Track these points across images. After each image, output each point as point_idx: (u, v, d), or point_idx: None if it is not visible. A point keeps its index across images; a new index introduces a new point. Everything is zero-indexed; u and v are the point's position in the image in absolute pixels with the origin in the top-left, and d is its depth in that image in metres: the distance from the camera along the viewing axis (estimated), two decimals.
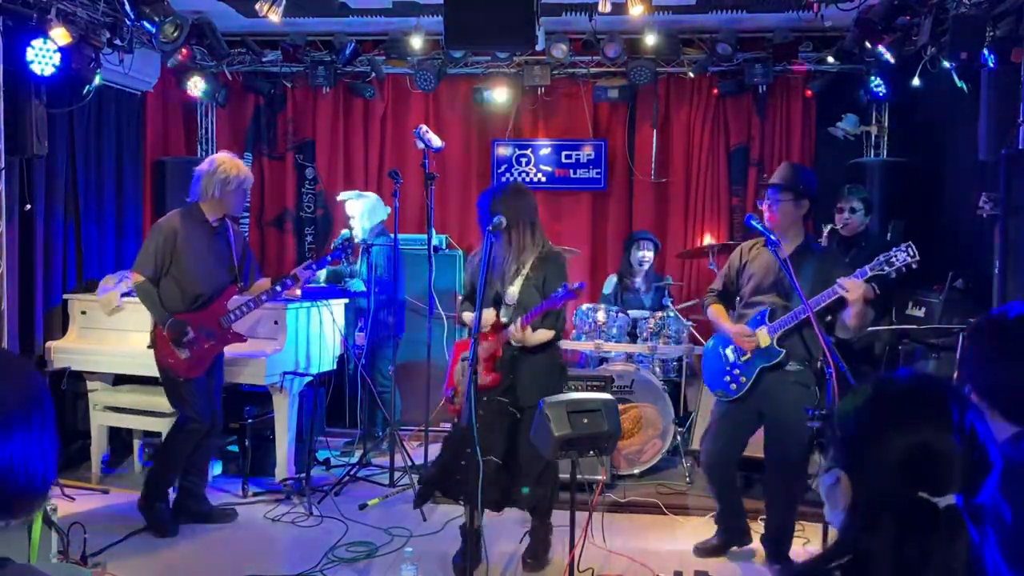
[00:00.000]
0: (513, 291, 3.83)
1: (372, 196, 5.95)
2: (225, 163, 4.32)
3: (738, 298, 4.17)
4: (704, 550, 4.24)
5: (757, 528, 4.36)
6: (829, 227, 4.57)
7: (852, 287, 3.60)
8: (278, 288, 4.43)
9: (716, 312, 4.15)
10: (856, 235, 4.64)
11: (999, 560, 1.17)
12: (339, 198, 6.13)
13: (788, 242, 3.96)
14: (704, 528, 4.51)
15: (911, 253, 3.59)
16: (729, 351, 4.06)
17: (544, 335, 3.84)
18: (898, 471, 1.18)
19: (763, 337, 3.90)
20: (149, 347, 4.40)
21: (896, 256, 3.62)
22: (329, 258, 4.69)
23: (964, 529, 1.15)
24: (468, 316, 3.99)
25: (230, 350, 5.10)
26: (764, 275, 4.00)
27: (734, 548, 4.27)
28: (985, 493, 1.19)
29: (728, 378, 4.03)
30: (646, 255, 6.03)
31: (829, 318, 3.90)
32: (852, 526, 1.23)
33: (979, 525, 1.17)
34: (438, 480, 4.13)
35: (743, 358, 3.98)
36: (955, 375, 4.14)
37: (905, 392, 1.26)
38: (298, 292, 4.78)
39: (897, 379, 1.28)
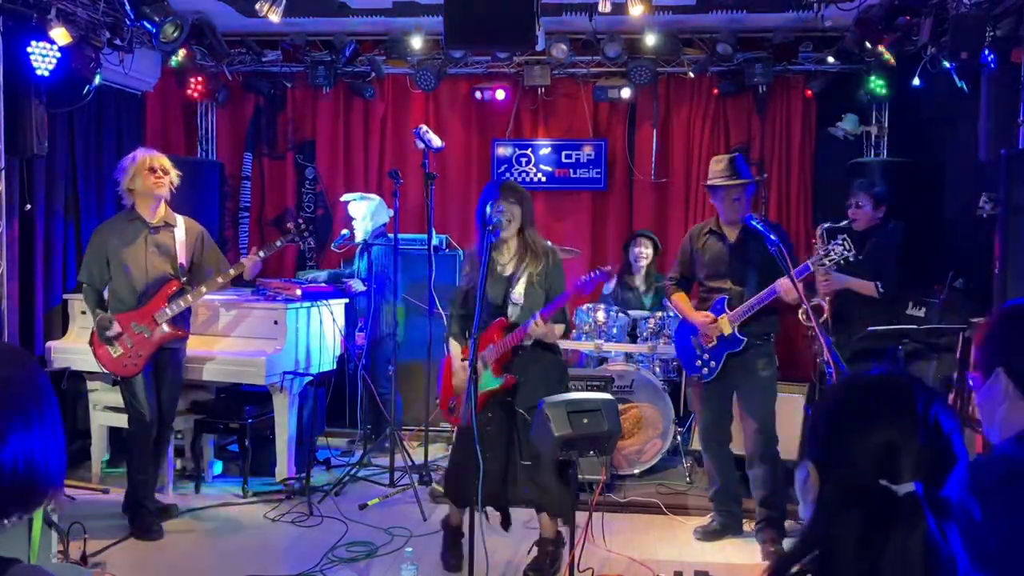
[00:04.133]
0: (519, 291, 3.78)
1: (375, 199, 5.94)
2: (124, 164, 4.42)
3: (697, 283, 4.48)
4: (705, 533, 4.44)
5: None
6: (825, 226, 4.55)
7: (786, 289, 4.00)
8: (219, 280, 4.47)
9: (680, 301, 4.47)
10: (869, 229, 4.65)
11: (963, 556, 1.17)
12: (343, 199, 6.12)
13: (733, 229, 4.28)
14: None
15: (847, 247, 4.01)
16: (696, 339, 4.36)
17: (561, 328, 3.86)
18: (860, 461, 1.20)
19: (725, 325, 4.22)
20: (89, 344, 4.46)
21: (833, 250, 4.04)
22: (278, 243, 4.75)
23: (922, 518, 1.15)
24: (454, 345, 3.98)
25: (230, 350, 5.10)
26: (717, 263, 4.33)
27: (730, 536, 4.40)
28: (951, 487, 1.19)
29: (699, 362, 4.35)
30: (643, 251, 6.01)
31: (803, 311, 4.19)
32: (817, 519, 1.24)
33: (943, 518, 1.17)
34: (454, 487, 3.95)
35: (709, 345, 4.29)
36: (956, 372, 4.16)
37: (870, 386, 1.29)
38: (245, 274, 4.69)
39: (864, 374, 1.33)
